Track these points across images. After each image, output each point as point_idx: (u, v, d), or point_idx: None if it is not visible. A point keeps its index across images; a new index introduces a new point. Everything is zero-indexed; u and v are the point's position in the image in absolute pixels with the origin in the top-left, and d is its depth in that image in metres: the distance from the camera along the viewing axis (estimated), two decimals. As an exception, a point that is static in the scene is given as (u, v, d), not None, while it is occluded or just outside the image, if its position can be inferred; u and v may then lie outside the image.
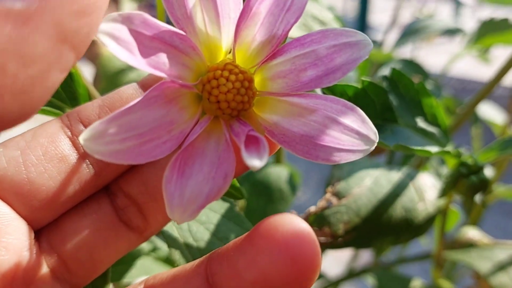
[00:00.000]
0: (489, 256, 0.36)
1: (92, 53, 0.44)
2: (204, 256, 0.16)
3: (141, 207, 0.17)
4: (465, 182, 0.25)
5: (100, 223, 0.16)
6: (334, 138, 0.16)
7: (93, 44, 0.45)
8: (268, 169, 0.39)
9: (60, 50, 0.11)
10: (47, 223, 0.16)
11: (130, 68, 0.44)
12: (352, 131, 0.16)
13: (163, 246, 0.31)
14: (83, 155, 0.16)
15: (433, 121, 0.26)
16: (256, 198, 0.37)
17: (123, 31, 0.14)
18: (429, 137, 0.26)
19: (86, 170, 0.16)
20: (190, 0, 0.15)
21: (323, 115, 0.16)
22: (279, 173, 0.38)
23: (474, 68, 0.54)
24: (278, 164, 0.40)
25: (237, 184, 0.20)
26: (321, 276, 0.36)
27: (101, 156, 0.14)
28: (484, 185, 0.25)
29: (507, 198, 0.45)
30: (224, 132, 0.16)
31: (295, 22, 0.16)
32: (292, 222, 0.14)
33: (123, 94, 0.16)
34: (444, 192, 0.26)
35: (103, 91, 0.44)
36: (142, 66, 0.14)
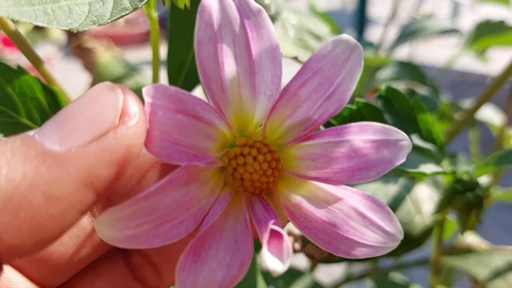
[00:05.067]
0: (487, 262, 0.37)
1: (89, 62, 0.44)
2: None
3: (156, 265, 0.17)
4: (461, 199, 0.25)
5: (115, 283, 0.16)
6: (359, 232, 0.15)
7: (90, 52, 0.45)
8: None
9: (85, 194, 0.12)
10: (61, 284, 0.16)
11: (126, 76, 0.44)
12: (378, 228, 0.15)
13: None
14: (96, 217, 0.16)
15: (428, 137, 0.26)
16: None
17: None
18: (425, 154, 0.26)
19: None
20: (227, 75, 0.15)
21: (349, 206, 0.16)
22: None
23: (474, 60, 0.54)
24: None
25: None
26: (316, 284, 0.36)
27: (114, 242, 0.13)
28: (479, 202, 0.25)
29: (504, 200, 0.45)
30: (244, 211, 0.15)
31: (334, 112, 0.15)
32: None
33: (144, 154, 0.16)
34: (440, 209, 0.26)
35: (100, 100, 0.43)
36: (161, 155, 0.13)
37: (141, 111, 0.13)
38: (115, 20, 0.16)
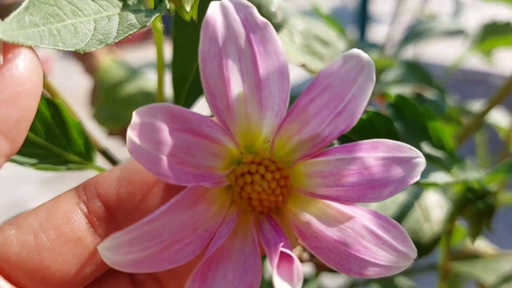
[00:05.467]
0: (494, 267, 0.36)
1: (89, 65, 0.43)
2: None
3: (161, 281, 0.16)
4: (472, 208, 0.25)
5: None
6: (371, 251, 0.15)
7: (91, 56, 0.45)
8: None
9: None
10: None
11: (128, 80, 0.43)
12: (390, 247, 0.15)
13: None
14: (100, 234, 0.15)
15: (438, 144, 0.26)
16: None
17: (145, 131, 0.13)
18: (435, 162, 0.25)
19: None
20: (233, 92, 0.14)
21: (361, 225, 0.15)
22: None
23: (477, 59, 0.53)
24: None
25: None
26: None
27: (119, 267, 0.13)
28: (490, 210, 0.25)
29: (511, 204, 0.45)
30: (251, 230, 0.15)
31: (345, 129, 0.15)
32: None
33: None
34: (451, 218, 0.26)
35: (102, 104, 0.43)
36: (168, 177, 0.13)
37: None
38: (122, 38, 0.15)
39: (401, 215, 0.28)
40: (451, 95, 0.50)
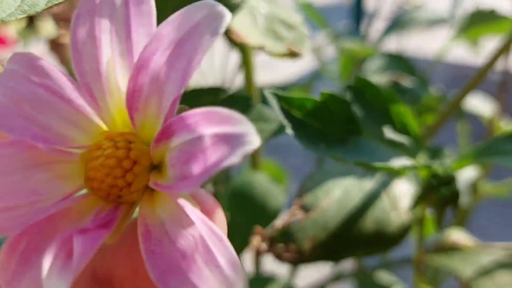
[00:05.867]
0: (474, 260, 0.35)
1: (64, 57, 0.43)
2: None
3: None
4: (436, 194, 0.24)
5: None
6: (198, 269, 0.11)
7: (65, 48, 0.44)
8: (249, 178, 0.36)
9: None
10: None
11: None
12: (217, 268, 0.11)
13: None
14: None
15: (402, 129, 0.25)
16: (239, 214, 0.34)
17: None
18: (398, 148, 0.24)
19: None
20: (105, 54, 0.13)
21: (199, 234, 0.12)
22: (263, 186, 0.35)
23: (464, 54, 0.52)
24: (256, 169, 0.37)
25: None
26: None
27: None
28: (455, 198, 0.24)
29: (495, 195, 0.43)
30: (89, 217, 0.13)
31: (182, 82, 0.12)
32: None
33: None
34: (415, 205, 0.25)
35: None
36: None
37: None
38: (49, 8, 0.14)
39: (367, 204, 0.28)
40: (440, 87, 0.49)
